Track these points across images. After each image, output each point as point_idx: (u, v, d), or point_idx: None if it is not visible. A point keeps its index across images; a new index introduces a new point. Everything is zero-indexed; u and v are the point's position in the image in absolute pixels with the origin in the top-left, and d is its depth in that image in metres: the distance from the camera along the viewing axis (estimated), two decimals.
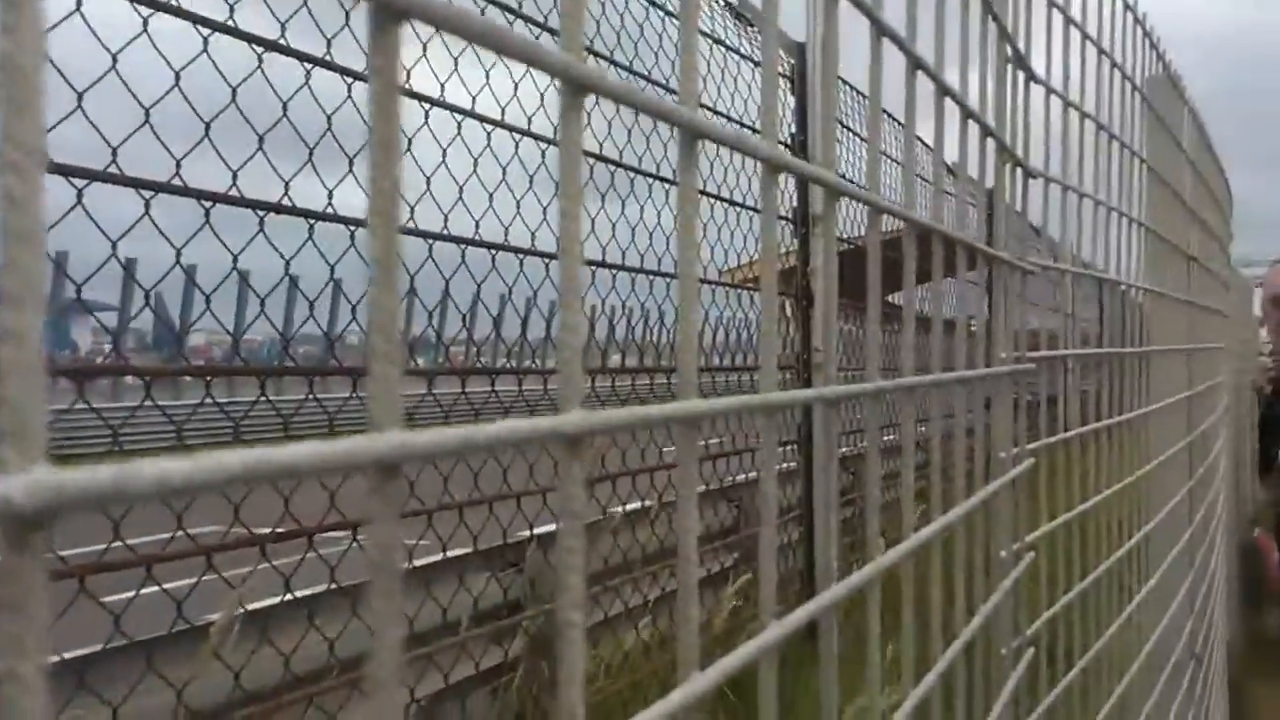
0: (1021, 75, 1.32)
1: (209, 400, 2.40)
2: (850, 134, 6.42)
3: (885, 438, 6.28)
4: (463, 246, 3.37)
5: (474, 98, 3.46)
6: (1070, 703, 1.14)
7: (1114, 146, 1.67)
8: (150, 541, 2.09)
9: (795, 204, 5.25)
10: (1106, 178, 1.64)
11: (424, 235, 3.21)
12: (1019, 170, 1.31)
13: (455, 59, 3.34)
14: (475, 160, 3.46)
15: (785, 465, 5.05)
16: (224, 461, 0.24)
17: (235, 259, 2.62)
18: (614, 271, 4.15)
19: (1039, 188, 1.42)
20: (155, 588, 2.09)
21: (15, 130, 0.22)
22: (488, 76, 3.53)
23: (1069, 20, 1.56)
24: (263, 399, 2.56)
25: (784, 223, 5.51)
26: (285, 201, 2.73)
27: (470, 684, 3.04)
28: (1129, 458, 1.55)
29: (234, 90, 2.59)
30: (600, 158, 3.99)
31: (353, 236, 2.96)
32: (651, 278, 4.31)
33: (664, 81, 4.34)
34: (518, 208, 3.66)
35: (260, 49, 2.66)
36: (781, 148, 0.61)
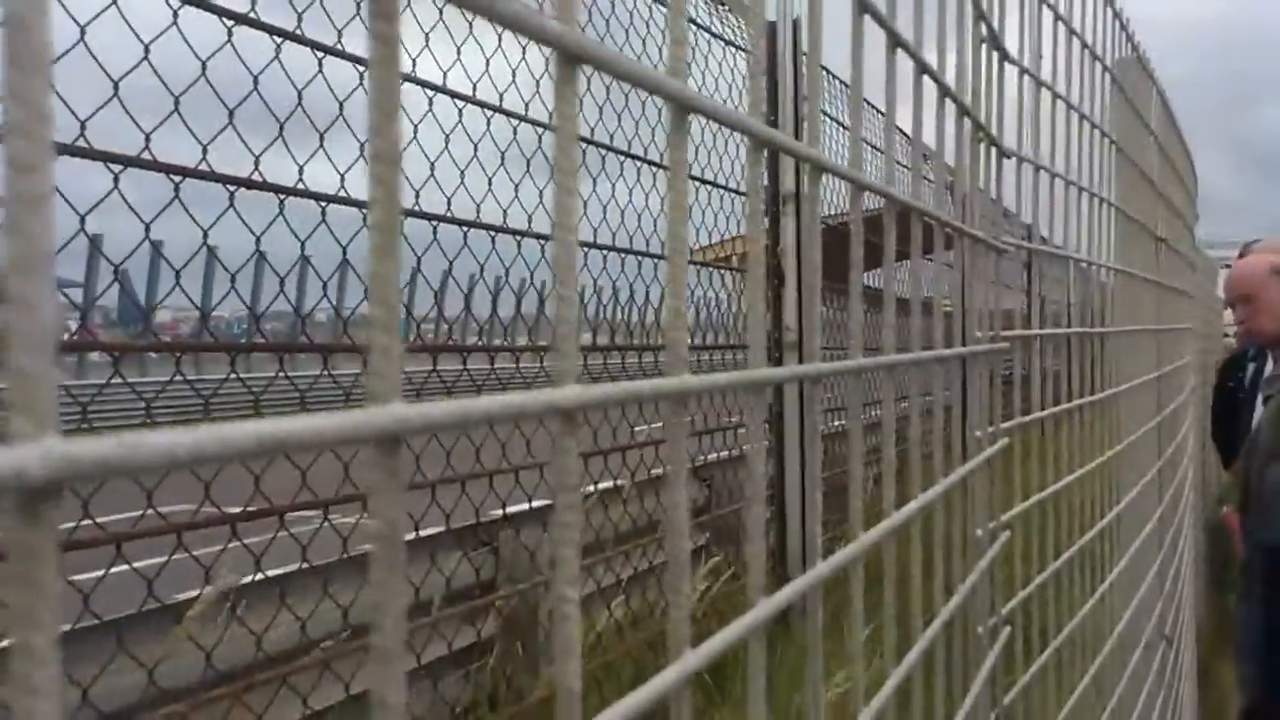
0: (995, 55, 1.32)
1: (179, 377, 2.37)
2: (822, 115, 6.41)
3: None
4: (434, 224, 3.34)
5: (445, 74, 3.42)
6: (1045, 682, 1.16)
7: (1084, 127, 1.68)
8: (120, 520, 2.07)
9: (765, 183, 5.25)
10: (1078, 158, 1.66)
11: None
12: (993, 149, 1.32)
13: (426, 34, 3.30)
14: (447, 137, 3.43)
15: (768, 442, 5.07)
16: (231, 433, 0.24)
17: (205, 234, 2.59)
18: (585, 250, 4.14)
19: (1010, 168, 1.44)
20: (125, 566, 2.07)
21: (22, 90, 0.21)
22: (459, 52, 3.49)
23: (1042, 1, 1.56)
24: (233, 376, 2.54)
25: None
26: (255, 177, 2.70)
27: (442, 665, 3.04)
28: (1099, 437, 1.57)
29: (204, 64, 2.55)
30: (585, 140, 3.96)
31: (324, 213, 2.93)
32: (607, 254, 4.29)
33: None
34: (489, 185, 3.64)
35: (230, 22, 2.62)
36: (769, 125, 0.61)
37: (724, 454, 4.89)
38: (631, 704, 0.40)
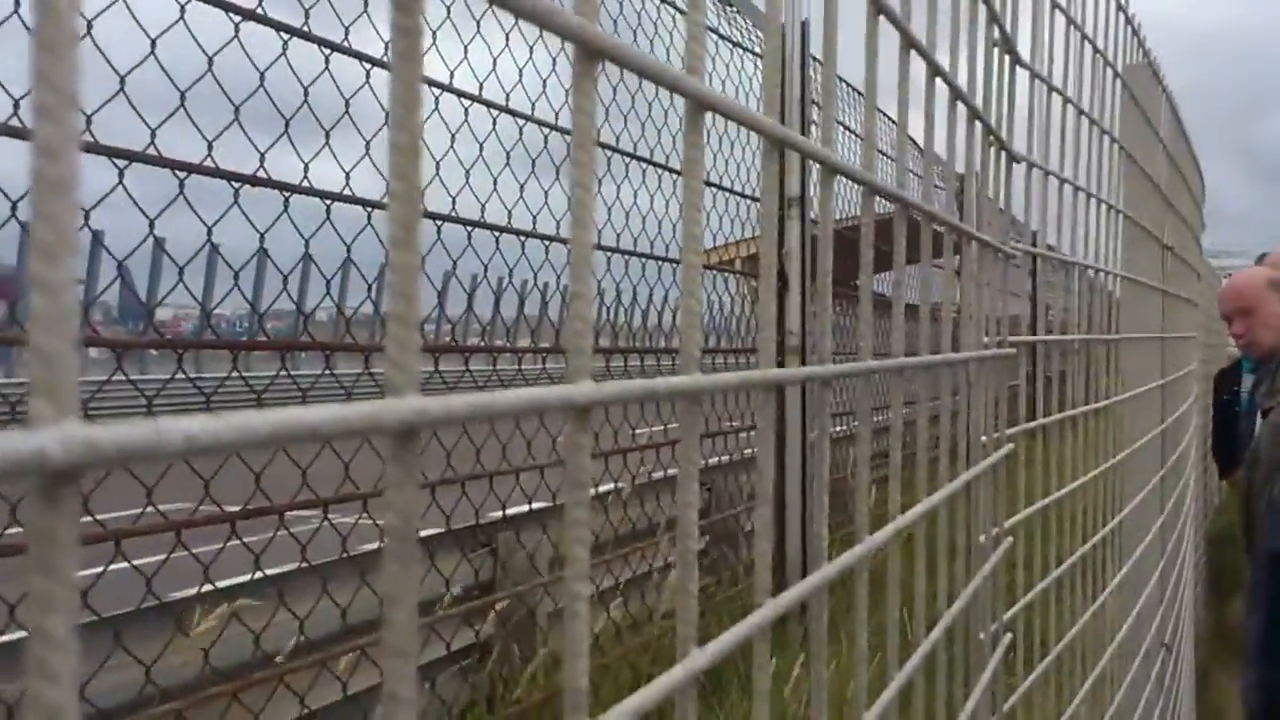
0: (1008, 58, 1.32)
1: (180, 374, 2.37)
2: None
3: (854, 424, 6.31)
4: (438, 223, 3.34)
5: (451, 73, 3.42)
6: (1045, 688, 1.15)
7: (1094, 133, 1.68)
8: (119, 517, 2.07)
9: (762, 186, 5.23)
10: (1086, 164, 1.65)
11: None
12: (1004, 154, 1.31)
13: (434, 32, 3.30)
14: (453, 136, 3.43)
15: (752, 449, 5.08)
16: (251, 423, 0.24)
17: (209, 231, 2.59)
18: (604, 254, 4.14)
19: (1018, 172, 1.43)
20: (124, 564, 2.07)
21: (49, 72, 0.21)
22: (465, 51, 3.49)
23: (1054, 4, 1.56)
24: (234, 374, 2.53)
25: (755, 204, 5.51)
26: (260, 174, 2.69)
27: (439, 665, 3.04)
28: (1102, 444, 1.56)
29: (210, 60, 2.55)
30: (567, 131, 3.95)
31: (328, 211, 2.93)
32: (610, 256, 4.29)
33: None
34: (494, 185, 3.64)
35: (237, 18, 2.62)
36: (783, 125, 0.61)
37: (724, 459, 4.88)
38: (639, 701, 0.40)
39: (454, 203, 3.38)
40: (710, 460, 4.76)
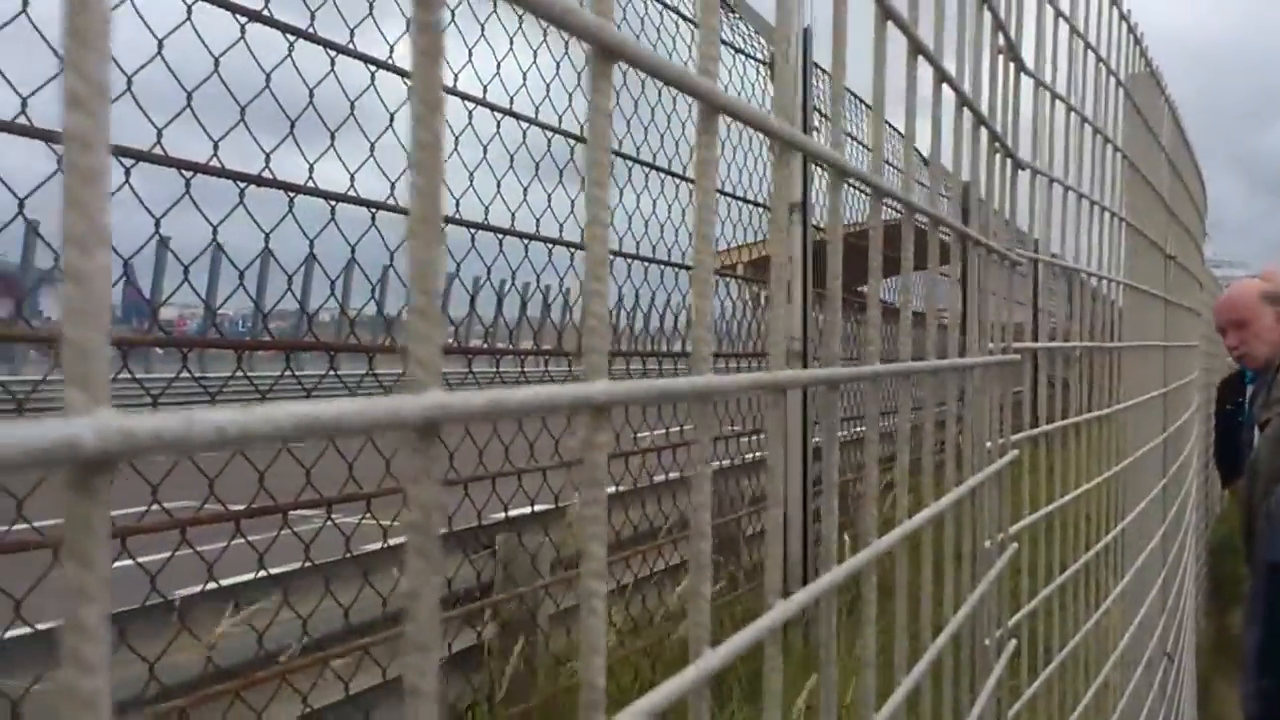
0: (1012, 66, 1.32)
1: (185, 373, 2.37)
2: (826, 120, 6.42)
3: (854, 429, 6.29)
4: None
5: (455, 76, 3.43)
6: (1049, 695, 1.15)
7: (1097, 141, 1.68)
8: (125, 514, 2.07)
9: (773, 189, 5.25)
10: (1090, 173, 1.65)
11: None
12: (1008, 161, 1.32)
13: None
14: (456, 139, 3.44)
15: (755, 455, 5.07)
16: (276, 415, 0.24)
17: (215, 231, 2.59)
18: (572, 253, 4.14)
19: (1020, 179, 1.43)
20: (129, 561, 2.07)
21: (81, 62, 0.21)
22: (470, 55, 3.50)
23: (1058, 13, 1.57)
24: (238, 374, 2.53)
25: (762, 210, 5.52)
26: (264, 174, 2.70)
27: (441, 667, 3.03)
28: (1104, 452, 1.56)
29: (216, 60, 2.55)
30: (579, 138, 3.96)
31: (333, 211, 2.93)
32: (612, 260, 4.29)
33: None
34: (498, 188, 3.65)
35: (244, 19, 2.62)
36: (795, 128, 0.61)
37: (723, 463, 4.88)
38: (652, 702, 0.40)
39: (457, 205, 3.39)
40: (716, 464, 4.76)
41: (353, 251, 3.02)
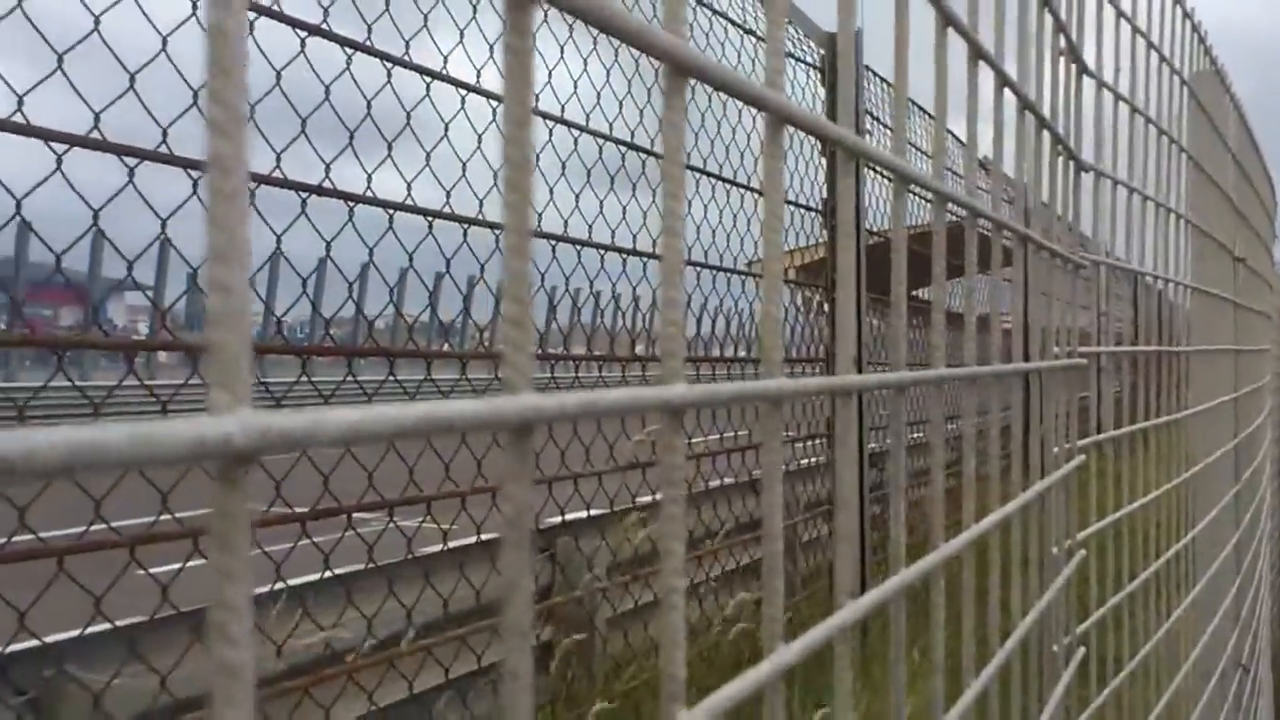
0: (1074, 68, 1.32)
1: (257, 380, 2.43)
2: (878, 123, 6.37)
3: (914, 434, 6.24)
4: (496, 233, 3.40)
5: (537, 97, 3.47)
6: (1119, 705, 1.14)
7: (1161, 142, 1.66)
8: (195, 516, 2.13)
9: (826, 194, 5.25)
10: (1154, 174, 1.63)
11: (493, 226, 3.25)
12: (1071, 163, 1.31)
13: (491, 45, 3.35)
14: (538, 155, 3.49)
15: (815, 459, 5.05)
16: (398, 414, 0.26)
17: (279, 239, 2.65)
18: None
19: (1085, 181, 1.42)
20: (201, 560, 2.13)
21: (221, 91, 0.23)
22: (550, 74, 3.54)
23: (1120, 13, 1.55)
24: (303, 378, 2.60)
25: (814, 214, 5.50)
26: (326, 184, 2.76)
27: (495, 668, 3.07)
28: (1172, 458, 1.54)
29: (278, 74, 2.61)
30: (650, 152, 4.00)
31: (391, 220, 2.99)
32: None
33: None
34: (577, 201, 3.71)
35: (304, 34, 2.69)
36: (859, 135, 0.62)
37: (793, 466, 4.88)
38: (729, 694, 0.42)
39: (540, 217, 3.44)
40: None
41: (410, 259, 3.07)
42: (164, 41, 2.33)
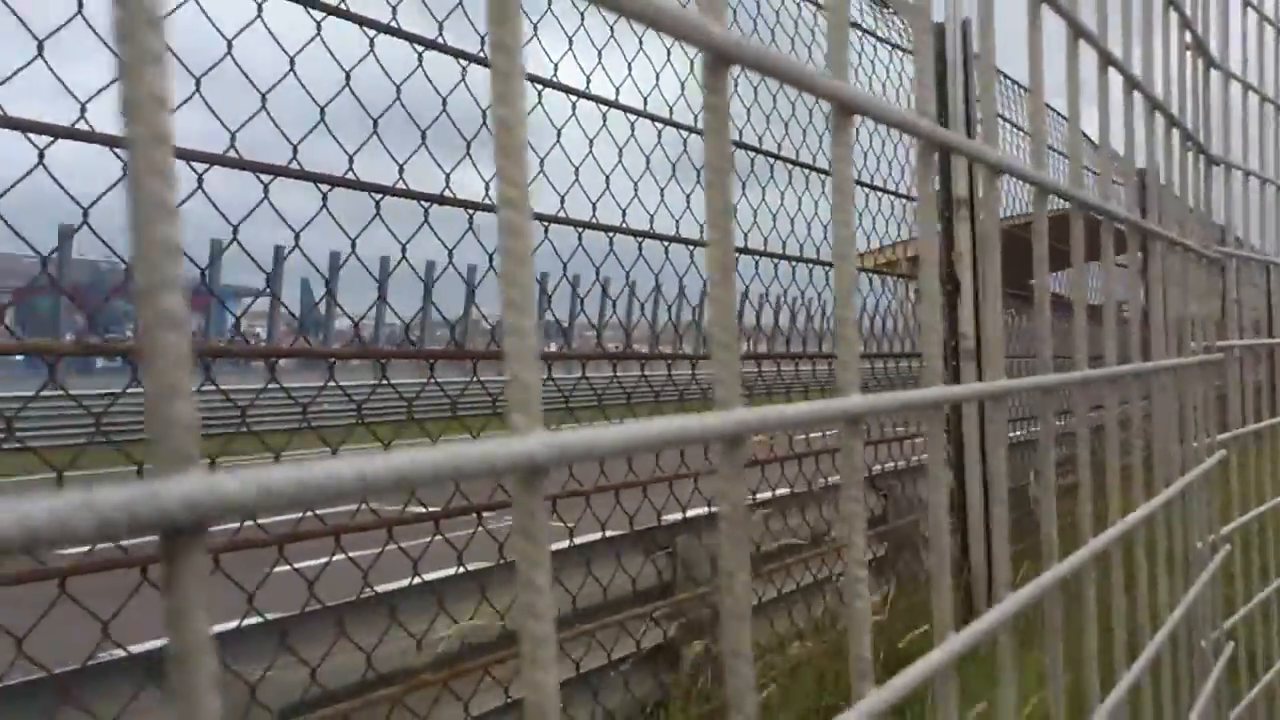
0: (1201, 62, 1.30)
1: (384, 382, 2.55)
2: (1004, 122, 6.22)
3: (1029, 428, 6.07)
4: (611, 234, 3.44)
5: (618, 89, 3.51)
6: (1271, 702, 1.13)
7: None
8: (337, 514, 2.25)
9: (938, 187, 5.16)
10: None
11: (573, 223, 3.29)
12: (1201, 158, 1.30)
13: (571, 39, 3.41)
14: (620, 149, 3.52)
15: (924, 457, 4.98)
16: (643, 430, 0.31)
17: (404, 247, 2.74)
18: (755, 258, 4.17)
19: (1216, 174, 1.40)
20: (341, 556, 2.25)
21: (508, 172, 0.28)
22: (630, 68, 3.58)
23: (1246, 2, 1.52)
24: (384, 382, 2.60)
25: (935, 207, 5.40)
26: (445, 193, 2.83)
27: (625, 661, 3.13)
28: None
29: (348, 74, 2.60)
30: (739, 144, 4.00)
31: (470, 220, 3.02)
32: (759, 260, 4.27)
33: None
34: (661, 196, 3.72)
35: (421, 48, 2.76)
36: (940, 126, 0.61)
37: (898, 464, 4.83)
38: (905, 680, 0.45)
39: (594, 209, 3.43)
40: (886, 466, 4.74)
41: (490, 260, 3.08)
42: (229, 45, 2.35)
